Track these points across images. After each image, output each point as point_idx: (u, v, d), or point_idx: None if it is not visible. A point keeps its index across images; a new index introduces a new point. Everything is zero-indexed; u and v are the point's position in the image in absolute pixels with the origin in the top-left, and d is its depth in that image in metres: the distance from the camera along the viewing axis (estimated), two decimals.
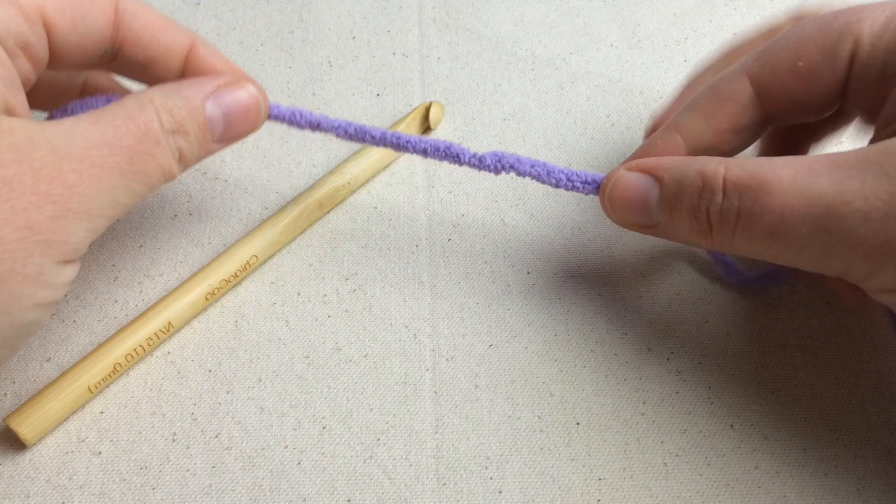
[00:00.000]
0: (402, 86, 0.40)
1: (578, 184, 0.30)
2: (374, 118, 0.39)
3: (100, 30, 0.28)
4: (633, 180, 0.28)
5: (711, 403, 0.31)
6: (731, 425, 0.31)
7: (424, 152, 0.31)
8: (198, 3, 0.43)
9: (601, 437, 0.30)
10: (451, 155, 0.30)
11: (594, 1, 0.44)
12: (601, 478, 0.30)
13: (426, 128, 0.38)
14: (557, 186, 0.30)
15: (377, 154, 0.36)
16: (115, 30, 0.28)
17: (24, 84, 0.27)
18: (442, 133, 0.38)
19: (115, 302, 0.33)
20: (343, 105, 0.39)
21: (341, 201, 0.36)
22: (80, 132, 0.25)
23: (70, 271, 0.25)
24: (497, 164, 0.30)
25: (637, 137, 0.38)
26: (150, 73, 0.30)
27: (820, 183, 0.24)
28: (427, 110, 0.38)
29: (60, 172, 0.24)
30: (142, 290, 0.33)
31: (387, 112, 0.39)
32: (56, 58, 0.27)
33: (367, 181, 0.37)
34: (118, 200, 0.25)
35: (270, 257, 0.34)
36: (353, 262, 0.34)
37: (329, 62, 0.41)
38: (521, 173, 0.30)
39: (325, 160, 0.37)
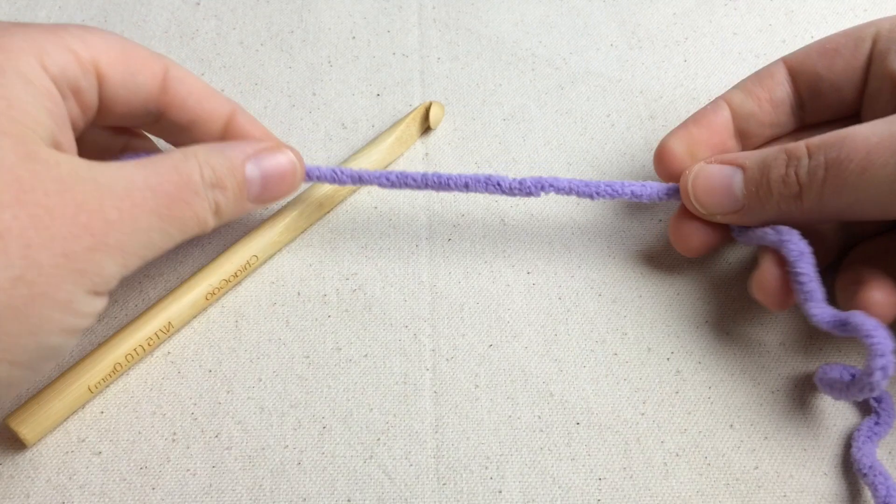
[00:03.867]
0: (402, 86, 0.40)
1: (637, 189, 0.32)
2: (374, 118, 0.39)
3: (148, 89, 0.29)
4: (715, 168, 0.31)
5: (711, 403, 0.31)
6: (731, 425, 0.31)
7: (466, 186, 0.32)
8: (198, 3, 0.43)
9: (601, 437, 0.30)
10: (492, 184, 0.32)
11: (594, 1, 0.44)
12: (601, 478, 0.30)
13: (426, 128, 0.38)
14: (611, 196, 0.32)
15: (377, 154, 0.36)
16: (162, 92, 0.30)
17: (72, 127, 0.28)
18: (442, 133, 0.38)
19: (115, 302, 0.33)
20: (343, 105, 0.39)
21: (341, 201, 0.36)
22: (125, 174, 0.26)
23: (99, 303, 0.26)
24: (536, 186, 0.31)
25: (637, 137, 0.38)
26: (191, 136, 0.31)
27: None
28: (427, 110, 0.38)
29: (102, 208, 0.25)
30: (142, 290, 0.33)
31: (387, 112, 0.39)
32: (104, 109, 0.29)
33: None
34: (153, 242, 0.26)
35: (270, 257, 0.34)
36: (353, 262, 0.35)
37: (329, 62, 0.41)
38: (559, 191, 0.32)
39: (325, 160, 0.37)
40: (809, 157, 0.28)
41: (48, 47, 0.26)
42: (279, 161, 0.30)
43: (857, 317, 0.27)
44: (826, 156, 0.27)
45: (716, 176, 0.30)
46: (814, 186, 0.28)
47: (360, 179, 0.32)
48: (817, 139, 0.28)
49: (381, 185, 0.32)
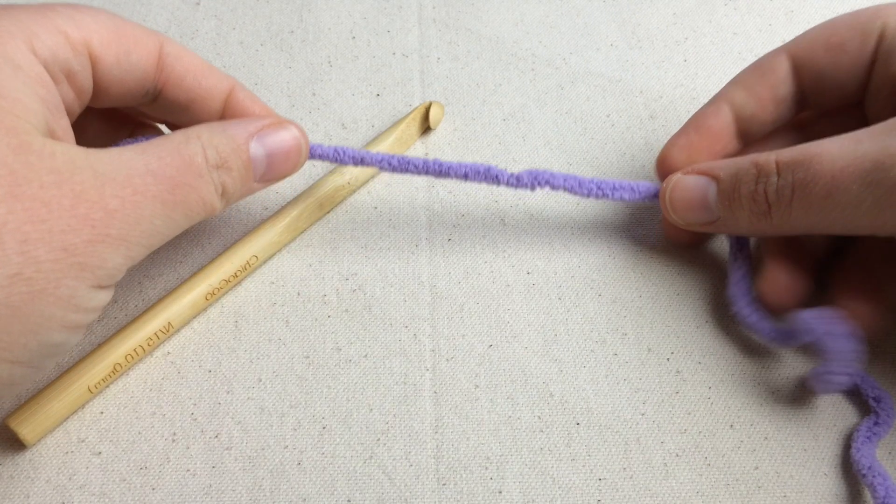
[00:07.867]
0: (402, 86, 0.40)
1: (626, 194, 0.32)
2: (373, 118, 0.39)
3: (143, 68, 0.28)
4: (691, 181, 0.31)
5: (711, 403, 0.31)
6: (731, 425, 0.31)
7: (465, 176, 0.32)
8: (198, 3, 0.43)
9: (601, 437, 0.30)
10: (490, 176, 0.32)
11: (594, 1, 0.44)
12: (601, 478, 0.30)
13: (426, 128, 0.38)
14: (602, 197, 0.32)
15: None
16: (158, 70, 0.29)
17: (67, 113, 0.27)
18: (442, 133, 0.38)
19: (115, 302, 0.33)
20: (343, 105, 0.39)
21: (341, 201, 0.36)
22: (125, 160, 0.25)
23: (103, 296, 0.25)
24: (532, 181, 0.32)
25: (637, 137, 0.38)
26: (190, 114, 0.30)
27: (864, 146, 0.26)
28: (427, 110, 0.38)
29: (102, 197, 0.24)
30: (142, 290, 0.33)
31: (386, 112, 0.39)
32: (99, 91, 0.28)
33: (367, 181, 0.37)
34: (157, 229, 0.26)
35: (270, 257, 0.34)
36: (353, 262, 0.34)
37: (329, 62, 0.41)
38: (554, 187, 0.32)
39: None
40: (778, 174, 0.28)
41: (37, 30, 0.25)
42: (283, 138, 0.29)
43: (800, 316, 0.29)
44: (794, 176, 0.27)
45: (691, 188, 0.31)
46: (782, 205, 0.28)
47: (361, 160, 0.32)
48: (787, 155, 0.28)
49: (382, 168, 0.32)
